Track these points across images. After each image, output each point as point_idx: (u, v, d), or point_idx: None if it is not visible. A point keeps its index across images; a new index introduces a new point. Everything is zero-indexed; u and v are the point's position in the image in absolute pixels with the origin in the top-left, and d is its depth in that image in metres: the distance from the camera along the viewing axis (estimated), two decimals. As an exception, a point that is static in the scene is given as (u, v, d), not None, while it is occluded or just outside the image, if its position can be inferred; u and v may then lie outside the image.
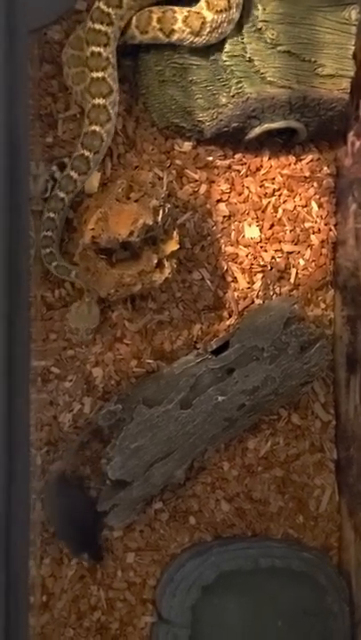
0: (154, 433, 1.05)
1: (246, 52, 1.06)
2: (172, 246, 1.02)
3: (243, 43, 1.06)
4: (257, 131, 1.14)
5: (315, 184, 1.27)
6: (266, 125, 1.12)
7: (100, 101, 1.07)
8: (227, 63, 1.07)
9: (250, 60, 1.07)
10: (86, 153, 1.08)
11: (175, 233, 1.03)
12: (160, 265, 1.02)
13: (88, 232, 0.97)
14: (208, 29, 1.05)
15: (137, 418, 1.05)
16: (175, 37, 1.07)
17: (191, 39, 1.06)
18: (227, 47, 1.07)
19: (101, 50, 1.05)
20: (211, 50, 1.09)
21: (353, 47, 1.11)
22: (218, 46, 1.08)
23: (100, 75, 1.06)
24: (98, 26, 1.04)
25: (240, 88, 1.07)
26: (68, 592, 1.13)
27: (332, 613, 1.17)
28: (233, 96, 1.09)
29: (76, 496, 1.12)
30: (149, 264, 0.99)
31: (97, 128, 1.07)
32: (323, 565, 1.19)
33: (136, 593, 1.16)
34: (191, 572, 1.12)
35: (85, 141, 1.09)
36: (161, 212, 0.99)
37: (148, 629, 1.15)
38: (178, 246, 1.03)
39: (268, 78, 1.07)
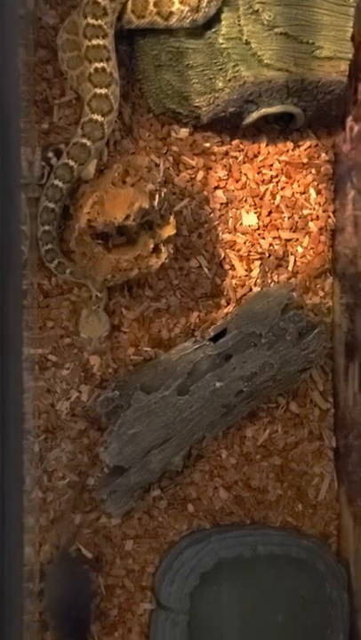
0: (151, 419, 1.04)
1: (243, 35, 1.05)
2: (169, 231, 1.01)
3: (239, 25, 1.05)
4: (254, 116, 1.13)
5: (313, 171, 1.26)
6: (263, 110, 1.11)
7: (102, 91, 1.06)
8: (223, 46, 1.06)
9: (247, 43, 1.06)
10: (87, 142, 1.07)
11: (172, 218, 1.02)
12: (157, 250, 1.01)
13: (84, 216, 0.96)
14: (206, 0, 1.03)
15: (134, 404, 1.05)
16: (174, 20, 1.06)
17: (191, 17, 1.05)
18: (223, 30, 1.06)
19: (100, 41, 1.04)
20: (207, 33, 1.08)
21: (351, 29, 1.10)
22: (214, 29, 1.07)
23: (100, 65, 1.04)
24: (92, 20, 1.03)
25: (237, 71, 1.06)
26: (67, 579, 1.14)
27: (331, 601, 1.17)
28: (230, 80, 1.08)
29: (75, 585, 1.10)
30: (146, 249, 0.99)
31: (98, 117, 1.06)
32: (322, 553, 1.18)
33: (135, 580, 1.16)
34: (190, 559, 1.12)
35: (86, 129, 1.08)
36: (157, 196, 0.98)
37: (146, 616, 1.15)
38: (174, 231, 1.02)
39: (266, 61, 1.06)
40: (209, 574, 1.12)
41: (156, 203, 0.98)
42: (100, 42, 1.04)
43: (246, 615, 1.15)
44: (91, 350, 1.13)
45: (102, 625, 1.14)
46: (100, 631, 1.14)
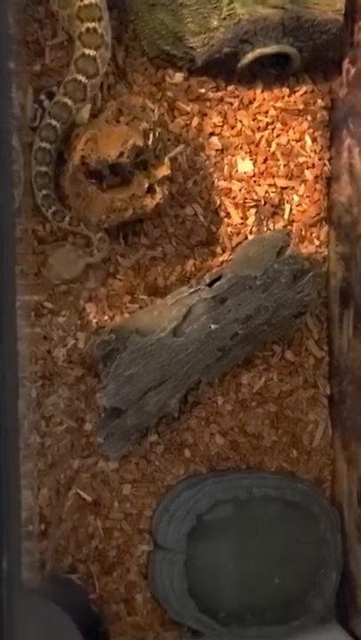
0: (147, 361, 1.05)
1: (237, -31, 1.03)
2: (164, 171, 1.00)
3: None
4: (250, 57, 1.11)
5: (309, 117, 1.25)
6: (259, 50, 1.10)
7: (92, 25, 1.04)
8: (217, -18, 1.04)
9: (241, -22, 1.04)
10: (81, 78, 1.05)
11: (166, 158, 1.01)
12: (151, 190, 1.01)
13: (77, 153, 0.95)
14: None
15: (130, 346, 1.05)
16: None
17: None
18: (217, -36, 1.04)
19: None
20: (201, -32, 1.06)
21: (348, -35, 1.08)
22: (209, -36, 1.05)
23: (90, 1, 1.03)
24: None
25: (232, 9, 1.04)
26: (67, 521, 1.16)
27: (324, 542, 1.20)
28: (224, 18, 1.06)
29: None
30: (140, 188, 0.98)
31: (91, 52, 1.04)
32: (316, 495, 1.21)
33: (132, 523, 1.18)
34: (186, 501, 1.14)
35: (80, 65, 1.06)
36: (151, 135, 0.97)
37: (144, 557, 1.17)
38: (169, 171, 1.02)
39: (261, -3, 1.04)
40: (205, 515, 1.15)
41: (150, 142, 0.97)
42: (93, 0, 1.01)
43: (242, 554, 1.18)
44: (45, 276, 1.11)
45: (101, 566, 1.17)
46: (98, 571, 1.16)
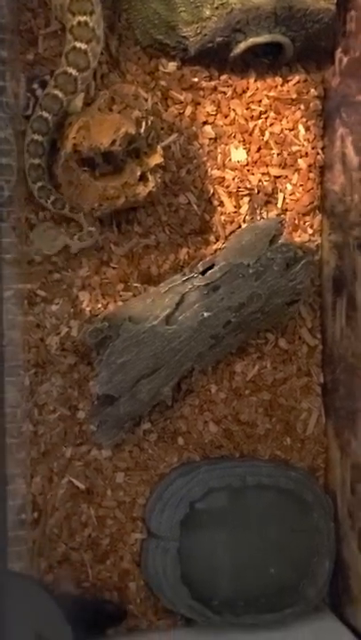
0: (140, 349, 1.05)
1: None
2: (156, 159, 1.00)
3: None
4: (242, 46, 1.11)
5: (302, 106, 1.25)
6: (251, 40, 1.10)
7: (83, 18, 1.04)
8: (210, -29, 1.04)
9: (233, -34, 1.04)
10: (72, 71, 1.05)
11: (159, 147, 1.01)
12: (144, 178, 1.01)
13: (70, 140, 0.95)
14: None
15: (123, 334, 1.05)
16: None
17: None
18: None
19: None
20: None
21: None
22: None
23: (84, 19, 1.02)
24: None
25: (224, -2, 1.05)
26: (60, 509, 1.16)
27: (317, 530, 1.20)
28: (217, 8, 1.07)
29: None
30: (133, 176, 0.98)
31: (82, 45, 1.04)
32: (309, 483, 1.21)
33: (126, 511, 1.18)
34: (180, 489, 1.15)
35: (70, 58, 1.06)
36: (144, 123, 0.97)
37: (137, 545, 1.18)
38: (162, 159, 1.02)
39: (253, -15, 1.04)
40: (198, 503, 1.15)
41: (142, 130, 0.98)
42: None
43: (235, 542, 1.18)
44: (32, 253, 1.12)
45: (94, 554, 1.17)
46: (91, 559, 1.16)
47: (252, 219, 1.23)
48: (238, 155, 1.23)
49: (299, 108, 1.24)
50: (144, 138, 0.99)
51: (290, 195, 1.25)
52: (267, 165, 1.24)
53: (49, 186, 1.10)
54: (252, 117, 1.23)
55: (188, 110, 1.21)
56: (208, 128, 1.22)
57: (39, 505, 1.15)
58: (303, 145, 1.25)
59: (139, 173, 0.99)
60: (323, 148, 1.26)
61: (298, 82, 1.24)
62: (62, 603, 0.95)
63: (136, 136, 0.97)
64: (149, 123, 0.99)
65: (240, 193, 1.23)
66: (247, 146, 1.23)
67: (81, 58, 1.05)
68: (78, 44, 1.04)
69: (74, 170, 0.98)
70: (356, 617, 1.19)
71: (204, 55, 1.16)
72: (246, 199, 1.23)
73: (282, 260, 1.08)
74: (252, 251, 1.09)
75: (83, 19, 1.03)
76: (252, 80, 1.23)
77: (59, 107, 1.06)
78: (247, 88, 1.23)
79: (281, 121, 1.24)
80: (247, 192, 1.23)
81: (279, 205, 1.25)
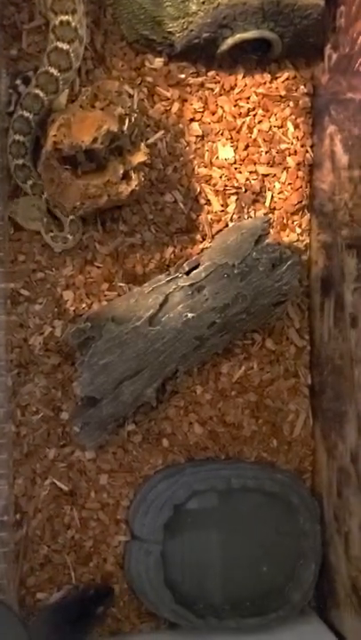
0: (123, 350, 1.04)
1: None
2: (140, 157, 0.98)
3: None
4: (229, 42, 1.09)
5: (291, 104, 1.23)
6: (238, 36, 1.08)
7: (65, 18, 1.01)
8: (195, -36, 1.02)
9: None
10: (53, 71, 1.03)
11: (143, 144, 0.99)
12: (127, 176, 0.99)
13: (50, 138, 0.93)
14: None
15: (106, 335, 1.04)
16: None
17: None
18: None
19: None
20: None
21: None
22: None
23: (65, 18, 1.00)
24: None
25: (210, -8, 1.03)
26: (43, 511, 1.15)
27: (303, 533, 1.19)
28: (203, 2, 1.04)
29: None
30: (115, 175, 0.96)
31: (64, 45, 1.02)
32: (295, 486, 1.20)
33: (109, 513, 1.17)
34: (164, 492, 1.13)
35: (52, 58, 1.04)
36: (127, 120, 0.95)
37: (121, 548, 1.16)
38: (145, 158, 1.00)
39: (238, -21, 1.02)
40: (183, 506, 1.13)
41: (125, 127, 0.96)
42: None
43: (220, 545, 1.16)
44: (7, 212, 1.10)
45: (77, 556, 1.15)
46: (74, 562, 1.15)
47: (240, 217, 1.21)
48: (226, 152, 1.21)
49: (288, 106, 1.22)
50: (127, 135, 0.97)
51: (278, 193, 1.23)
52: (255, 163, 1.22)
53: (40, 182, 1.08)
54: (240, 114, 1.21)
55: (175, 107, 1.19)
56: (195, 125, 1.20)
57: (22, 506, 1.14)
58: (292, 143, 1.23)
59: (121, 172, 0.97)
60: (312, 146, 1.24)
61: (287, 78, 1.22)
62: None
63: (119, 134, 0.95)
64: (133, 120, 0.98)
65: (227, 191, 1.21)
66: (235, 143, 1.21)
67: (63, 58, 1.03)
68: (60, 45, 1.02)
69: (55, 168, 0.96)
70: (341, 621, 1.18)
71: (191, 51, 1.14)
72: (234, 198, 1.21)
73: (267, 261, 1.07)
74: (238, 251, 1.07)
75: (65, 18, 1.01)
76: (240, 76, 1.21)
77: (40, 106, 1.04)
78: (235, 85, 1.21)
79: (269, 118, 1.22)
80: (235, 190, 1.21)
81: (267, 204, 1.23)
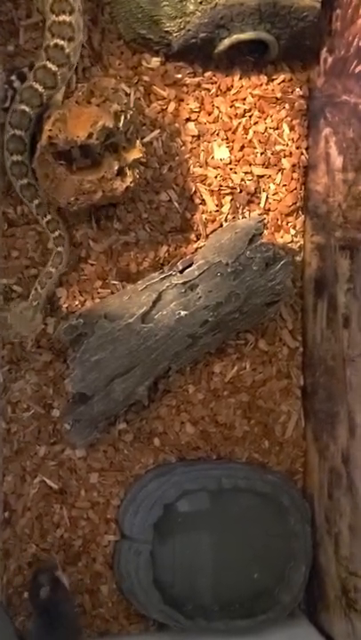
0: (115, 347, 1.03)
1: None
2: (135, 154, 0.98)
3: None
4: (226, 42, 1.10)
5: (286, 106, 1.24)
6: (235, 36, 1.08)
7: (62, 18, 1.01)
8: (193, -35, 1.03)
9: None
10: (51, 66, 1.03)
11: (138, 141, 0.99)
12: (122, 173, 0.99)
13: (45, 133, 0.93)
14: None
15: (98, 331, 1.03)
16: None
17: None
18: None
19: None
20: None
21: None
22: None
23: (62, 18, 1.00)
24: None
25: (207, -8, 1.03)
26: (32, 509, 1.14)
27: (294, 534, 1.18)
28: (201, 2, 1.05)
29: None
30: (110, 171, 0.96)
31: (60, 42, 1.02)
32: (286, 487, 1.19)
33: (99, 512, 1.16)
34: (154, 491, 1.12)
35: (50, 53, 1.04)
36: (122, 117, 0.95)
37: (111, 547, 1.15)
38: (140, 155, 1.00)
39: (236, -20, 1.03)
40: (173, 506, 1.13)
41: (121, 124, 0.96)
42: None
43: (210, 546, 1.16)
44: (6, 339, 1.10)
45: (66, 555, 1.14)
46: (63, 561, 1.14)
47: (235, 218, 1.21)
48: (221, 153, 1.21)
49: (283, 107, 1.23)
50: (123, 132, 0.97)
51: (273, 194, 1.24)
52: (250, 164, 1.22)
53: (33, 182, 1.07)
54: (235, 115, 1.21)
55: (171, 106, 1.19)
56: (191, 125, 1.20)
57: (11, 504, 1.13)
58: (287, 144, 1.23)
59: (116, 168, 0.97)
60: (307, 148, 1.25)
61: (283, 81, 1.22)
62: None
63: (114, 130, 0.95)
64: (128, 117, 0.98)
65: (222, 192, 1.21)
66: (230, 144, 1.22)
67: (60, 54, 1.03)
68: (58, 41, 1.01)
69: (49, 163, 0.96)
70: (331, 624, 1.17)
71: (188, 51, 1.14)
72: (228, 198, 1.22)
73: (261, 260, 1.07)
74: (231, 250, 1.07)
75: (63, 17, 1.01)
76: (236, 77, 1.21)
77: (39, 101, 1.04)
78: (232, 86, 1.21)
79: (265, 120, 1.23)
80: (229, 191, 1.21)
81: (262, 205, 1.23)
